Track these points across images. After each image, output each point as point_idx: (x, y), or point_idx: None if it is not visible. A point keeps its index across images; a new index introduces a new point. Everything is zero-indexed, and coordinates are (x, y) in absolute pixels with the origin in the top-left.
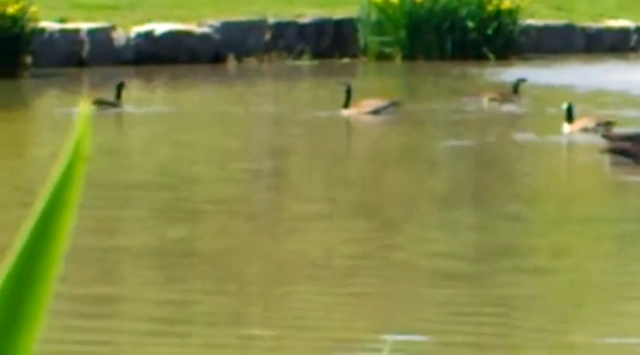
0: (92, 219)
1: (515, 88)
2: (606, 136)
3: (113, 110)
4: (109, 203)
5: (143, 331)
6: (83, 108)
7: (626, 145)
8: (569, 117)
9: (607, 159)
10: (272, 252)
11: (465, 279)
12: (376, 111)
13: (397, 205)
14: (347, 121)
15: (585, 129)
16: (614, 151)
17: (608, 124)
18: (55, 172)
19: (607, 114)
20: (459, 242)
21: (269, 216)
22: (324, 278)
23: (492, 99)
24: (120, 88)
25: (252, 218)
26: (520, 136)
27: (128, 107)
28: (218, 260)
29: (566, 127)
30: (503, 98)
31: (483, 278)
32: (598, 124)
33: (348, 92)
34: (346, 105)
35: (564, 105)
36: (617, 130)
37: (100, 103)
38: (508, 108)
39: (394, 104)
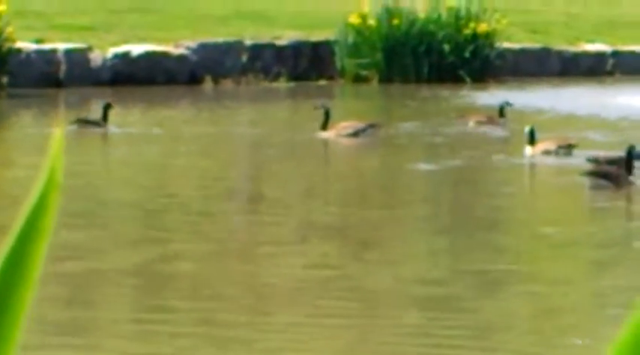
0: (66, 240)
1: (501, 111)
2: (593, 160)
3: (96, 130)
4: (85, 222)
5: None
6: (57, 134)
7: (611, 169)
8: (531, 140)
9: (586, 182)
10: (244, 275)
11: (440, 304)
12: (355, 134)
13: (373, 229)
14: (325, 143)
15: (547, 152)
16: (596, 174)
17: (570, 147)
18: (29, 199)
19: (579, 136)
20: (433, 266)
21: (244, 239)
22: (295, 304)
23: (479, 122)
24: (107, 108)
25: (227, 241)
26: (497, 158)
27: (112, 128)
28: (190, 282)
29: (528, 150)
30: (490, 121)
31: (459, 302)
32: (559, 147)
33: (327, 114)
34: (324, 127)
35: (526, 129)
36: (603, 154)
37: (82, 122)
38: (494, 131)
39: (372, 126)
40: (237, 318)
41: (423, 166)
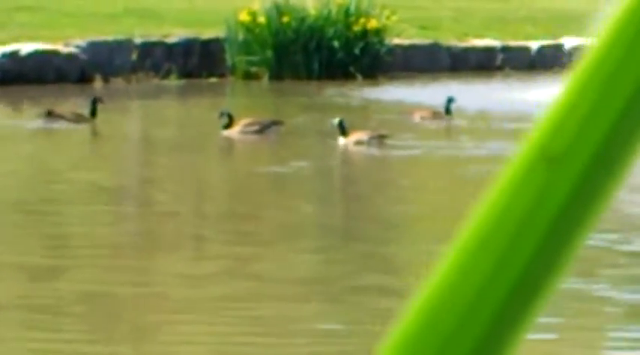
0: None
1: (447, 107)
2: None
3: (78, 126)
4: None
5: None
6: None
7: None
8: (343, 130)
9: None
10: (132, 291)
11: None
12: (260, 130)
13: (268, 232)
14: (226, 140)
15: (359, 142)
16: None
17: (381, 137)
18: None
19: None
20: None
21: (131, 248)
22: (188, 318)
23: (423, 118)
24: (95, 103)
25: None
26: (397, 153)
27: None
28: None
29: (341, 140)
30: (435, 116)
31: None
32: (371, 137)
33: (229, 117)
34: (227, 126)
35: (335, 121)
36: None
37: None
38: (440, 126)
39: (275, 123)
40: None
41: (318, 162)
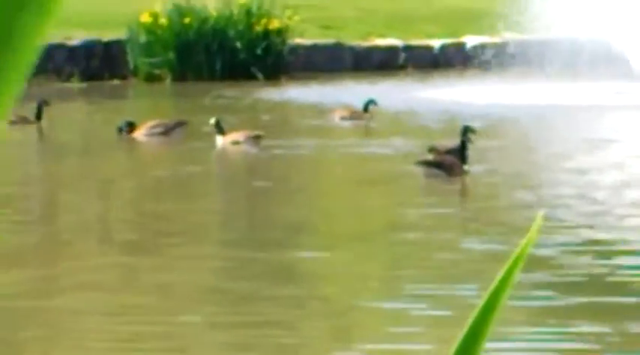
0: None
1: (366, 107)
2: (433, 149)
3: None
4: None
5: None
6: None
7: (444, 158)
8: (220, 130)
9: (421, 171)
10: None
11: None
12: (165, 132)
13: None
14: (131, 143)
15: (236, 142)
16: (429, 164)
17: (257, 137)
18: None
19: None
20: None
21: (30, 255)
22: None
23: (343, 118)
24: (41, 106)
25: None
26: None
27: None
28: None
29: (219, 139)
30: (355, 116)
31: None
32: (248, 137)
33: (131, 125)
34: (131, 130)
35: (212, 120)
36: (445, 143)
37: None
38: (358, 124)
39: (180, 124)
40: None
41: (214, 165)
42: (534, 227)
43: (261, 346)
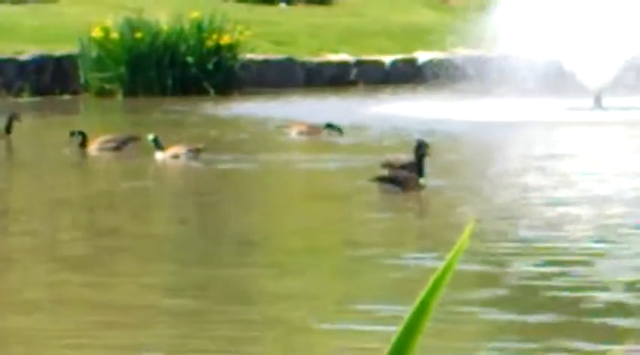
0: None
1: (328, 126)
2: (388, 164)
3: None
4: None
5: None
6: None
7: (399, 173)
8: (158, 145)
9: (376, 187)
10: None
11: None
12: (117, 147)
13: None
14: (83, 158)
15: (176, 156)
16: (383, 179)
17: (198, 150)
18: None
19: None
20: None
21: None
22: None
23: (301, 132)
24: (11, 119)
25: None
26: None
27: None
28: None
29: (159, 154)
30: (312, 131)
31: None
32: (189, 150)
33: (83, 135)
34: (83, 144)
35: (150, 136)
36: (404, 157)
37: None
38: (315, 139)
39: (132, 139)
40: None
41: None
42: (466, 233)
43: None
